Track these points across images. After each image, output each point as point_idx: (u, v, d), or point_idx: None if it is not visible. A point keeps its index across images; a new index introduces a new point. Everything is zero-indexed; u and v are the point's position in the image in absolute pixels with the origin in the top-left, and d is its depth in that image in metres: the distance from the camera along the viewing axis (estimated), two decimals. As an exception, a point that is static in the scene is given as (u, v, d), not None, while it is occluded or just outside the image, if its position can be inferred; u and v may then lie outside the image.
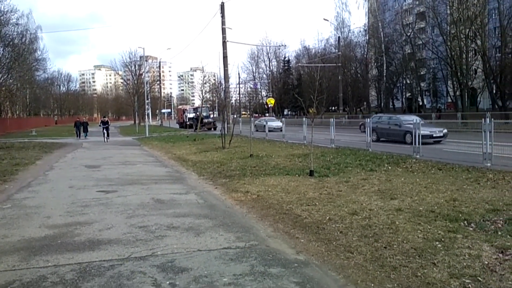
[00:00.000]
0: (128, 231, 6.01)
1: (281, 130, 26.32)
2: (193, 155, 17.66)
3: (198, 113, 42.21)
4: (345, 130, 29.28)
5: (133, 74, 79.21)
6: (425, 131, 15.28)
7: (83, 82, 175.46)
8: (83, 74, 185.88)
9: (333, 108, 68.23)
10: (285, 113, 78.91)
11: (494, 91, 42.23)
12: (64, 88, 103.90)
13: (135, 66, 78.60)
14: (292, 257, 4.85)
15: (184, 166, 14.36)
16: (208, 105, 51.32)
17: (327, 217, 6.43)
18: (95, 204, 7.97)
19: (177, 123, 63.11)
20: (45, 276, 4.33)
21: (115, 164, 15.22)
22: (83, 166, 14.47)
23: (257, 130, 29.63)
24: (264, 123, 30.51)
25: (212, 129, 41.21)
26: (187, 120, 48.54)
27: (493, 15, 43.98)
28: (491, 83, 42.01)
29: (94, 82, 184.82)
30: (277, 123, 31.67)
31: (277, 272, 4.33)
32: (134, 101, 67.30)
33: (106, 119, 31.87)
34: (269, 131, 27.56)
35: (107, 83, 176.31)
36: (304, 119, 22.88)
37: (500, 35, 41.17)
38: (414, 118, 18.20)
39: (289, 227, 6.16)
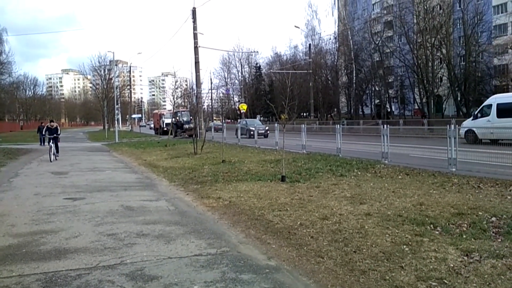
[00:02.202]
0: (96, 239, 5.87)
1: None
2: (164, 161, 17.46)
3: (177, 117, 40.01)
4: (316, 136, 29.60)
5: (102, 78, 77.81)
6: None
7: (50, 87, 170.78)
8: (50, 78, 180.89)
9: (304, 114, 68.99)
10: (257, 119, 79.12)
11: (458, 98, 43.69)
12: (30, 93, 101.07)
13: (104, 70, 77.27)
14: (263, 263, 4.85)
15: (154, 172, 14.17)
16: (188, 109, 48.59)
17: (298, 222, 6.47)
18: (62, 211, 7.75)
19: (152, 128, 59.67)
20: (9, 286, 4.18)
21: (83, 170, 14.86)
22: (50, 173, 14.06)
23: None
24: None
25: (194, 135, 37.54)
26: (164, 126, 44.78)
27: (458, 24, 45.60)
28: (456, 91, 43.50)
29: (61, 86, 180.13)
30: None
31: (248, 278, 4.32)
32: (103, 106, 66.08)
33: (54, 125, 20.63)
34: None
35: (75, 87, 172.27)
36: (276, 125, 22.99)
37: (464, 44, 42.71)
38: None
39: (260, 232, 6.17)
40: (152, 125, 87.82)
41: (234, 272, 4.49)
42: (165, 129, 43.73)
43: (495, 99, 21.62)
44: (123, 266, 4.73)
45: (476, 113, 22.41)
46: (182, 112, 40.88)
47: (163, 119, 47.74)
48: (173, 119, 39.88)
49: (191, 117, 44.90)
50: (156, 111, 72.28)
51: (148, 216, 7.36)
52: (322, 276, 4.42)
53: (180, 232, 6.22)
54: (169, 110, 55.71)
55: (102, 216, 7.34)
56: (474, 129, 19.01)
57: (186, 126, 39.63)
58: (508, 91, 44.43)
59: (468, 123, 21.27)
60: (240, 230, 6.38)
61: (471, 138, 18.72)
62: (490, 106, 21.10)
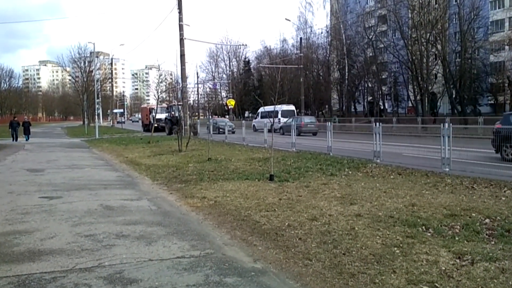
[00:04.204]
0: (73, 240, 5.81)
1: None
2: (146, 158, 17.36)
3: (172, 112, 37.32)
4: (307, 133, 29.71)
5: (82, 71, 77.13)
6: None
7: (27, 79, 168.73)
8: (26, 70, 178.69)
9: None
10: (246, 115, 79.11)
11: (453, 96, 44.10)
12: (5, 85, 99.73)
13: (84, 62, 76.57)
14: (249, 266, 4.85)
15: (136, 170, 14.08)
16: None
17: (286, 223, 6.49)
18: (37, 211, 7.66)
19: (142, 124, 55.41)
20: (-23, 291, 4.12)
21: (61, 167, 14.71)
22: (25, 170, 13.89)
23: None
24: None
25: (179, 132, 33.42)
26: (154, 122, 39.37)
27: (454, 19, 45.94)
28: (451, 88, 43.86)
29: (39, 78, 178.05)
30: None
31: (233, 282, 4.32)
32: (83, 100, 65.49)
33: None
34: None
35: (53, 80, 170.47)
36: (265, 121, 23.00)
37: (460, 40, 43.04)
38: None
39: (247, 234, 6.17)
40: (133, 120, 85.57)
41: (218, 275, 4.48)
42: (156, 125, 39.64)
43: (261, 109, 41.88)
44: (101, 268, 4.69)
45: (256, 116, 44.54)
46: (179, 106, 38.69)
47: (153, 114, 42.11)
48: (168, 114, 37.96)
49: (188, 112, 42.24)
50: (144, 105, 69.95)
51: (129, 216, 7.31)
52: (309, 279, 4.43)
53: (162, 233, 6.19)
54: (159, 104, 49.39)
55: (80, 216, 7.26)
56: (254, 123, 36.19)
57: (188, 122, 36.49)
58: (504, 89, 45.10)
59: (253, 121, 39.97)
60: (226, 231, 6.37)
61: (254, 128, 35.29)
62: (259, 112, 42.31)
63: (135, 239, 5.87)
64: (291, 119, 29.53)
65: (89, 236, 5.99)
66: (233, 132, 32.89)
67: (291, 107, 40.14)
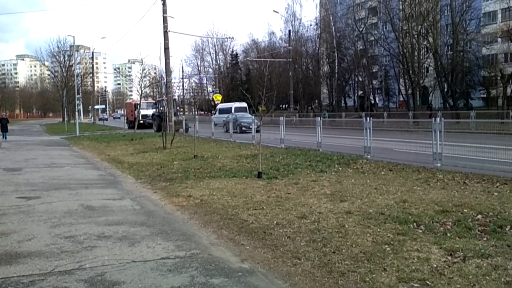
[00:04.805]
0: (52, 242, 5.75)
1: None
2: (129, 156, 17.25)
3: (161, 108, 34.05)
4: (296, 129, 29.76)
5: (61, 65, 76.32)
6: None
7: (3, 74, 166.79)
8: (3, 65, 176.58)
9: (283, 106, 69.27)
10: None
11: (445, 90, 44.44)
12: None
13: (64, 56, 75.77)
14: (236, 266, 4.85)
15: (119, 168, 13.99)
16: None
17: (275, 222, 6.50)
18: (14, 212, 7.58)
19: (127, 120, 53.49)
20: (-49, 296, 4.06)
21: (40, 166, 14.56)
22: (1, 169, 13.73)
23: None
24: None
25: (163, 129, 28.86)
26: (140, 118, 37.86)
27: (445, 11, 46.15)
28: (443, 82, 44.16)
29: (16, 74, 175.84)
30: None
31: (219, 283, 4.31)
32: (62, 95, 64.79)
33: None
34: None
35: (31, 75, 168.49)
36: (253, 117, 22.98)
37: (452, 32, 43.25)
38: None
39: (234, 233, 6.17)
40: (114, 116, 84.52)
41: (204, 276, 4.48)
42: (142, 121, 38.79)
43: (219, 106, 48.79)
44: (82, 271, 4.66)
45: (214, 112, 48.98)
46: (167, 101, 37.51)
47: (139, 109, 39.23)
48: (155, 110, 36.66)
49: (177, 107, 42.03)
50: (129, 100, 68.36)
51: (111, 216, 7.27)
52: (298, 279, 4.45)
53: (146, 233, 6.16)
54: (145, 100, 44.24)
55: (60, 216, 7.20)
56: (214, 119, 32.72)
57: (173, 118, 34.83)
58: (496, 83, 45.62)
59: (213, 116, 41.33)
60: (212, 230, 6.37)
61: (214, 124, 31.92)
62: (218, 109, 47.36)
63: (118, 240, 5.84)
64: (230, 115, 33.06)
65: (69, 238, 5.94)
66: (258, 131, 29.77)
67: (244, 104, 43.31)
